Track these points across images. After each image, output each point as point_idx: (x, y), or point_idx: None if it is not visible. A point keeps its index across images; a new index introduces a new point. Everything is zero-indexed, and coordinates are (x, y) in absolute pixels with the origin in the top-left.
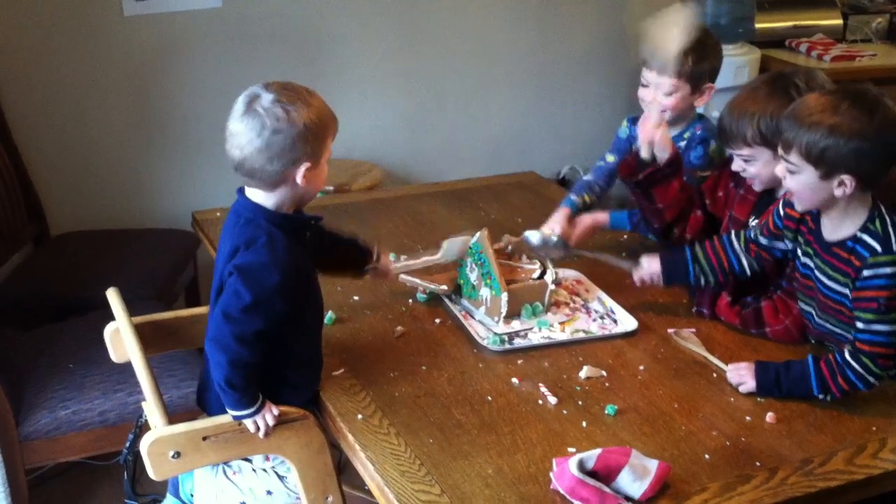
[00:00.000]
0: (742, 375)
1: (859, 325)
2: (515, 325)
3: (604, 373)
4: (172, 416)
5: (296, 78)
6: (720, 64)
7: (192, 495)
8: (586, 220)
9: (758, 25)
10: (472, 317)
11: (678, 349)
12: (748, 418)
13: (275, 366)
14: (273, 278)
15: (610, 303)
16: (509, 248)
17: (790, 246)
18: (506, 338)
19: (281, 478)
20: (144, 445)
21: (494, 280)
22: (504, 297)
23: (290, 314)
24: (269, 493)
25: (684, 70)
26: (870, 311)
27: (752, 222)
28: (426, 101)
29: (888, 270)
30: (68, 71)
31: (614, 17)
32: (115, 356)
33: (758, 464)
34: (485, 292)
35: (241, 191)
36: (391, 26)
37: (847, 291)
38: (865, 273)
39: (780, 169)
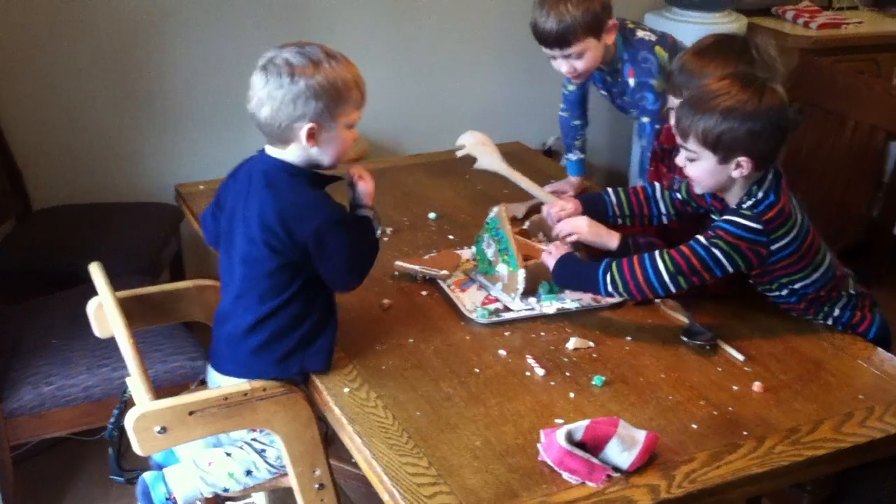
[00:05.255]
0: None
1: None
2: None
3: (591, 344)
4: (158, 390)
5: None
6: None
7: (166, 498)
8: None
9: None
10: (489, 292)
11: (665, 319)
12: (735, 388)
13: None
14: (329, 203)
15: None
16: (527, 224)
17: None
18: (493, 310)
19: (260, 451)
20: (130, 421)
21: (512, 256)
22: (521, 273)
23: None
24: (248, 472)
25: (580, 29)
26: (707, 237)
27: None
28: (413, 73)
29: (736, 220)
30: (50, 44)
31: None
32: (98, 331)
33: (745, 433)
34: (502, 268)
35: (262, 151)
36: None
37: None
38: (722, 219)
39: (680, 158)
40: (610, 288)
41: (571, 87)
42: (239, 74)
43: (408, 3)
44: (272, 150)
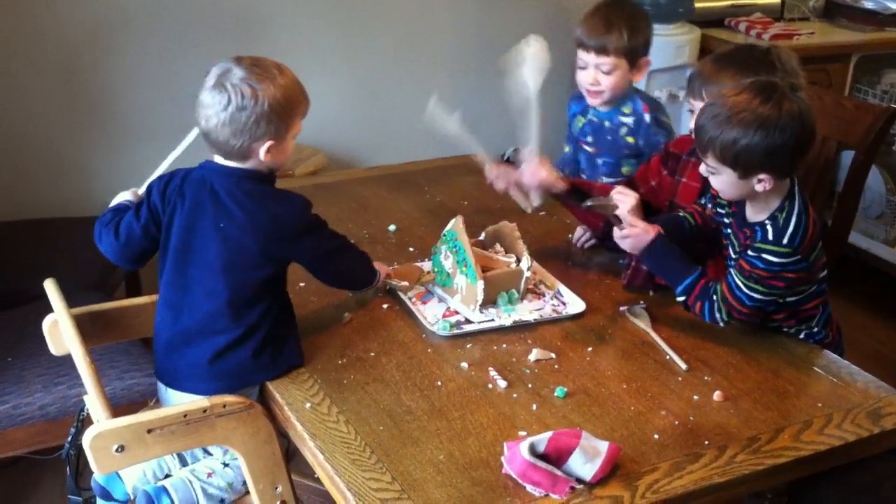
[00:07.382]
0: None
1: (732, 274)
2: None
3: (553, 355)
4: (115, 408)
5: None
6: (651, 36)
7: None
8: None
9: (697, 5)
10: (448, 305)
11: (626, 329)
12: (696, 397)
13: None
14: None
15: (558, 285)
16: (483, 235)
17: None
18: (454, 322)
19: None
20: (87, 440)
21: (470, 268)
22: (480, 284)
23: None
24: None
25: (621, 46)
26: (744, 277)
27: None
28: (369, 85)
29: (772, 259)
30: None
31: None
32: (54, 349)
33: (706, 442)
34: (460, 280)
35: (210, 162)
36: (332, 8)
37: None
38: (751, 253)
39: (702, 168)
40: (678, 300)
41: (567, 149)
42: (189, 86)
43: (362, 14)
44: (225, 160)
